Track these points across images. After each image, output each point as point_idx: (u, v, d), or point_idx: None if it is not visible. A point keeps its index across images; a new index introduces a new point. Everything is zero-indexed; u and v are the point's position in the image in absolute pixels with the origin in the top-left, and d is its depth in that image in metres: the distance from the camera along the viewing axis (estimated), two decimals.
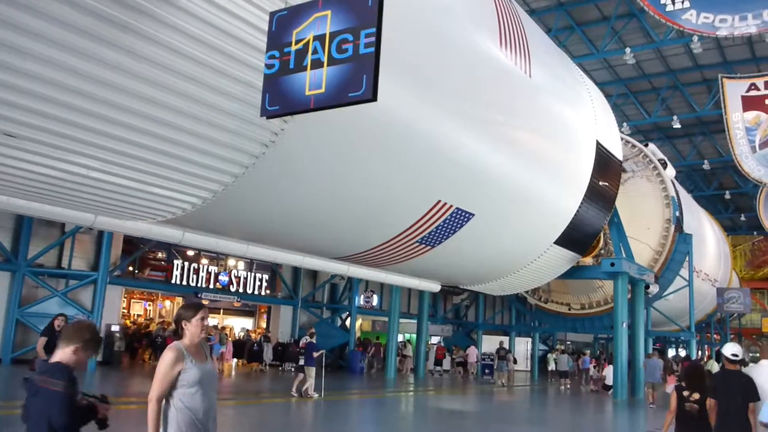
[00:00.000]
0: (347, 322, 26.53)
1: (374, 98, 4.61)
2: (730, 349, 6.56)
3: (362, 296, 25.95)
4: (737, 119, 20.63)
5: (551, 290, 27.28)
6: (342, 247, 13.59)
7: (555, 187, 16.03)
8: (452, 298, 33.84)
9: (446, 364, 28.41)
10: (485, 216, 14.44)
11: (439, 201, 12.91)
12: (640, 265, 20.41)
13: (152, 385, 3.92)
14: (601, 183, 17.74)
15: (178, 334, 4.20)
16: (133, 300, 26.83)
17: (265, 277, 23.93)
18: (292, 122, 8.51)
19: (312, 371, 15.26)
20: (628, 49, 26.16)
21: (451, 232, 14.12)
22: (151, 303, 28.04)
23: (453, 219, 13.69)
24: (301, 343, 16.40)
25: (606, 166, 17.99)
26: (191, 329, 4.12)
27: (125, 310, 25.20)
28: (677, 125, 36.01)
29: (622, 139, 27.42)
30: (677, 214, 25.55)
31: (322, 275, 25.88)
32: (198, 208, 9.40)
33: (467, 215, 13.90)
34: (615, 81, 35.42)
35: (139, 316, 26.76)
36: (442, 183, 12.77)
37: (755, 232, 56.46)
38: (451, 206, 13.29)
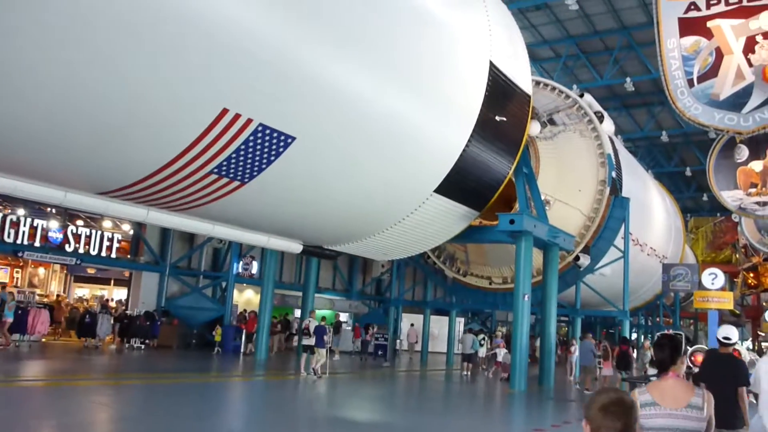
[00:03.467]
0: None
1: None
2: (723, 332, 6.46)
3: (241, 262, 22.11)
4: (673, 46, 16.98)
5: (470, 261, 23.68)
6: (95, 173, 9.74)
7: (427, 115, 12.29)
8: (371, 271, 30.14)
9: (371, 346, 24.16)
10: (314, 143, 10.67)
11: (226, 110, 9.11)
12: (553, 226, 16.77)
13: None
14: (497, 118, 14.03)
15: None
16: None
17: (117, 236, 19.89)
18: None
19: (323, 352, 15.80)
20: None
21: (263, 161, 10.33)
22: None
23: (260, 141, 9.91)
24: (304, 325, 16.71)
25: (505, 97, 14.28)
26: None
27: None
28: (631, 88, 33.71)
29: (553, 88, 23.85)
30: (613, 174, 21.98)
31: (200, 237, 22.00)
32: None
33: (283, 138, 10.11)
34: (566, 38, 32.48)
35: None
36: (231, 85, 8.97)
37: (718, 214, 53.94)
38: (249, 120, 9.50)
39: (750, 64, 16.17)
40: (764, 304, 49.08)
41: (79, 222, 19.68)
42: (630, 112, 42.65)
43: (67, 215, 19.31)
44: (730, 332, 6.42)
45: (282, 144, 10.21)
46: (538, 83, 24.07)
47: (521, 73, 14.95)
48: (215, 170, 10.05)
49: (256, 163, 10.33)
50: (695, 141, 42.97)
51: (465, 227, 15.93)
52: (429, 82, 12.12)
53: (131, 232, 21.15)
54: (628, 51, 31.18)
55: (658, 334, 7.38)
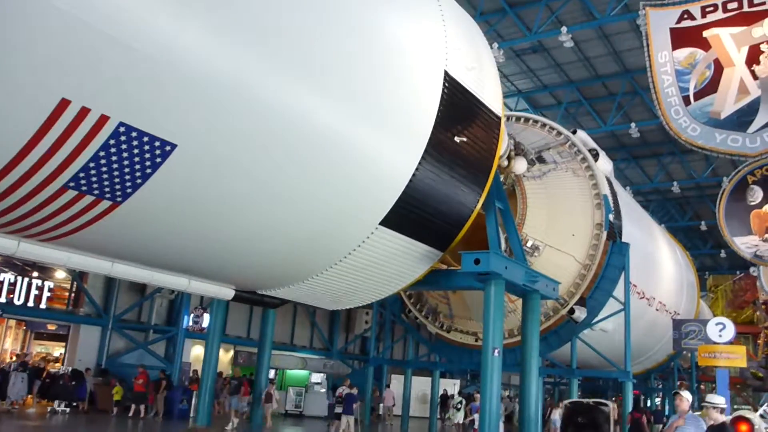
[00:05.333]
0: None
1: None
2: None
3: (191, 315, 19.83)
4: (664, 60, 14.81)
5: (454, 315, 21.24)
6: None
7: (363, 129, 10.20)
8: (354, 328, 27.69)
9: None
10: (206, 154, 8.58)
11: (67, 101, 7.07)
12: (531, 269, 14.37)
13: None
14: (456, 139, 11.91)
15: None
16: None
17: (48, 284, 17.75)
18: None
19: (351, 419, 16.62)
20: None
21: (136, 174, 8.23)
22: None
23: (125, 147, 7.83)
24: (338, 393, 17.37)
25: (466, 115, 12.20)
26: None
27: None
28: (636, 134, 32.49)
29: (544, 124, 21.79)
30: (611, 217, 19.64)
31: (150, 287, 19.82)
32: None
33: (159, 145, 8.03)
34: (566, 84, 31.16)
35: None
36: (72, 68, 6.96)
37: (738, 271, 51.29)
38: (105, 117, 7.44)
39: (755, 77, 14.01)
40: None
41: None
42: (639, 163, 41.27)
43: None
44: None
45: (158, 153, 8.12)
46: (527, 120, 22.08)
47: (488, 90, 12.89)
48: (72, 183, 7.95)
49: (127, 177, 8.23)
50: (709, 194, 41.04)
51: (427, 270, 13.61)
52: (364, 89, 10.08)
53: (71, 280, 19.04)
54: (632, 96, 30.65)
55: (566, 402, 5.24)
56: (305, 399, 23.18)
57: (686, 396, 8.21)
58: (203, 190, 8.96)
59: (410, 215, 11.77)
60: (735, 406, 53.39)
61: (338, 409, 16.74)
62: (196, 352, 23.88)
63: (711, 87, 14.46)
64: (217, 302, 16.48)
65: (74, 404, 17.02)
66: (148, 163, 8.17)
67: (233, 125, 8.50)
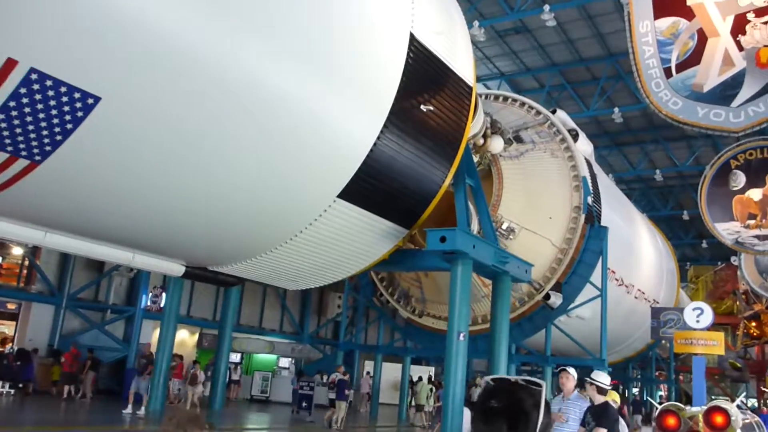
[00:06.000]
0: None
1: None
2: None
3: (150, 295, 18.98)
4: (646, 30, 14.00)
5: (426, 299, 20.54)
6: None
7: (318, 92, 9.37)
8: (327, 311, 26.93)
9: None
10: (136, 110, 7.72)
11: None
12: (502, 250, 13.64)
13: None
14: (423, 107, 11.13)
15: None
16: None
17: None
18: None
19: (343, 405, 17.07)
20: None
21: (54, 129, 7.38)
22: None
23: (39, 97, 6.98)
24: (330, 378, 17.96)
25: (433, 82, 11.41)
26: None
27: None
28: (619, 119, 31.97)
29: (523, 103, 21.05)
30: (589, 200, 18.97)
31: (108, 265, 18.93)
32: None
33: (79, 97, 7.17)
34: (549, 67, 30.51)
35: None
36: None
37: (719, 262, 51.16)
38: (12, 61, 6.58)
39: (740, 48, 13.24)
40: None
41: None
42: (622, 151, 40.83)
43: None
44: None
45: (80, 106, 7.27)
46: (505, 98, 21.33)
47: (459, 57, 12.09)
48: None
49: (45, 133, 7.38)
50: (692, 183, 40.73)
51: (392, 249, 12.85)
52: (320, 50, 9.25)
53: (22, 255, 18.12)
54: (615, 81, 30.05)
55: (487, 378, 4.49)
56: (271, 384, 22.45)
57: (573, 373, 7.28)
58: (134, 152, 8.12)
59: (371, 188, 10.99)
60: (713, 397, 53.39)
61: (331, 395, 17.05)
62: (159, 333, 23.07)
63: (694, 58, 13.67)
64: (174, 280, 15.66)
65: (20, 385, 16.18)
66: (68, 118, 7.32)
67: (168, 81, 7.65)
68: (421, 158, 11.57)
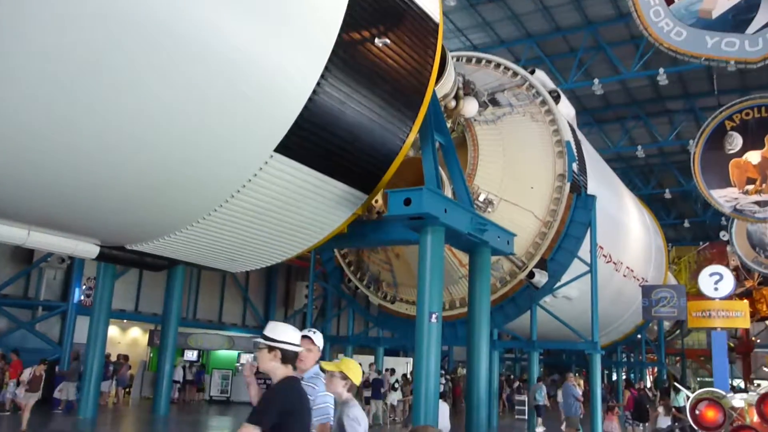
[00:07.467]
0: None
1: None
2: None
3: (84, 287, 16.83)
4: None
5: (399, 284, 18.67)
6: None
7: (237, 20, 7.32)
8: (294, 303, 24.93)
9: None
10: (16, 42, 5.66)
11: None
12: (479, 215, 11.71)
13: None
14: (378, 42, 9.15)
15: None
16: None
17: None
18: None
19: (380, 403, 16.89)
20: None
21: None
22: None
23: None
24: (364, 377, 16.37)
25: (388, 14, 9.44)
26: None
27: None
28: (600, 91, 30.21)
29: (498, 65, 19.18)
30: (574, 167, 17.18)
31: (37, 255, 16.73)
32: None
33: None
34: (525, 38, 28.80)
35: None
36: None
37: (701, 242, 50.03)
38: None
39: None
40: (753, 339, 44.18)
41: None
42: (602, 128, 39.37)
43: None
44: None
45: None
46: (479, 60, 19.49)
47: None
48: None
49: None
50: (674, 161, 39.51)
51: (350, 217, 10.90)
52: None
53: None
54: (595, 51, 28.59)
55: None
56: (232, 383, 20.45)
57: (318, 340, 4.37)
58: (22, 98, 6.07)
59: (316, 141, 9.01)
60: (698, 379, 52.06)
61: (366, 394, 16.59)
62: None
63: None
64: (104, 267, 13.60)
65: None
66: None
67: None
68: (377, 106, 9.61)
